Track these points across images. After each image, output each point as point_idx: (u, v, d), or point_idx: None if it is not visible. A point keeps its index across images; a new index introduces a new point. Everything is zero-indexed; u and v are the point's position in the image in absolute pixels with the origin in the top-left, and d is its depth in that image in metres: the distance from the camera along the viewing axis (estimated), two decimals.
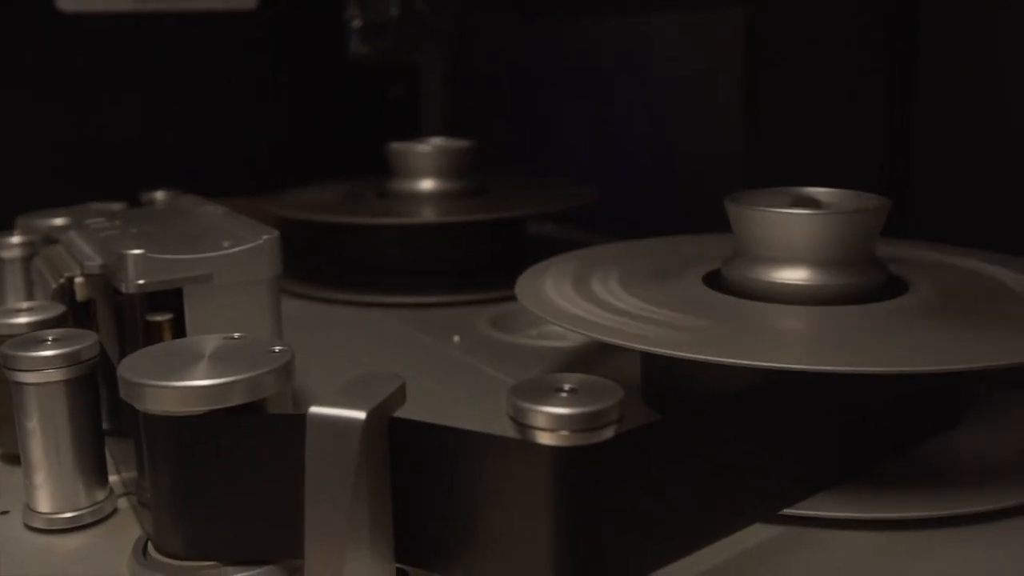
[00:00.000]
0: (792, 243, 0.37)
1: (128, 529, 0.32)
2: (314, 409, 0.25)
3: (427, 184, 0.64)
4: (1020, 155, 0.53)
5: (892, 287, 0.38)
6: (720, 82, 0.63)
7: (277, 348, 0.28)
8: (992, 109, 0.54)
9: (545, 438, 0.24)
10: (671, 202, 0.69)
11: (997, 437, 0.36)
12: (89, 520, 0.32)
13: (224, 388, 0.27)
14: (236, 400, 0.27)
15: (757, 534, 0.30)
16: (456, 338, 0.51)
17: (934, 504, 0.31)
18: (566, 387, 0.25)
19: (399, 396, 0.26)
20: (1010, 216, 0.53)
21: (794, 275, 0.37)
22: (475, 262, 0.62)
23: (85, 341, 0.32)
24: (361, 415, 0.25)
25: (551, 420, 0.24)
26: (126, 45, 0.73)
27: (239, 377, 0.27)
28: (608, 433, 0.24)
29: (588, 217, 0.68)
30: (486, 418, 0.27)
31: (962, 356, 0.31)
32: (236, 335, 0.30)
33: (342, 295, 0.59)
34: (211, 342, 0.29)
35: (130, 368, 0.27)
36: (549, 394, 0.24)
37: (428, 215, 0.62)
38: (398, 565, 0.26)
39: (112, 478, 0.34)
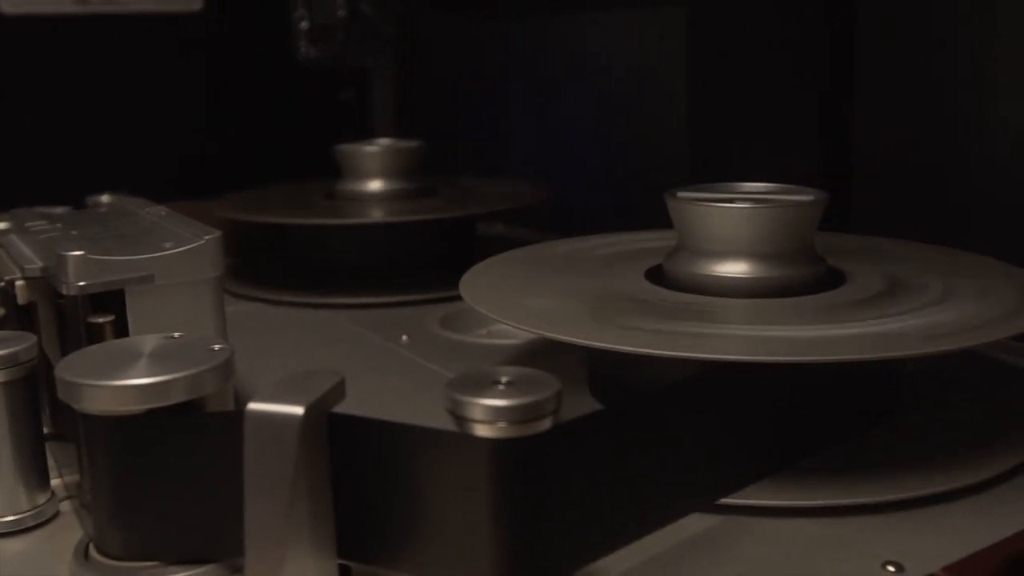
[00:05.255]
0: (730, 236, 0.37)
1: (70, 532, 0.32)
2: (252, 405, 0.25)
3: (375, 185, 0.64)
4: (958, 148, 0.54)
5: (830, 279, 0.39)
6: (664, 79, 0.64)
7: (216, 346, 0.28)
8: (931, 103, 0.55)
9: (482, 430, 0.24)
10: (618, 199, 0.69)
11: (933, 424, 0.37)
12: (30, 523, 0.32)
13: (163, 386, 0.27)
14: (175, 398, 0.27)
15: (697, 523, 0.30)
16: (404, 338, 0.51)
17: (871, 491, 0.32)
18: (503, 379, 0.25)
19: (338, 392, 0.26)
20: (948, 208, 0.54)
21: (732, 268, 0.37)
22: (424, 262, 0.62)
23: (23, 343, 0.32)
24: (299, 410, 0.25)
25: (488, 412, 0.24)
26: (72, 48, 0.72)
27: (178, 375, 0.27)
28: (545, 424, 0.24)
29: (538, 215, 0.68)
30: (433, 415, 0.27)
31: (892, 344, 0.32)
32: (176, 334, 0.30)
33: (292, 297, 0.59)
34: (150, 341, 0.29)
35: (68, 368, 0.27)
36: (486, 387, 0.24)
37: (377, 215, 0.62)
38: (340, 560, 0.26)
39: (55, 481, 0.34)
